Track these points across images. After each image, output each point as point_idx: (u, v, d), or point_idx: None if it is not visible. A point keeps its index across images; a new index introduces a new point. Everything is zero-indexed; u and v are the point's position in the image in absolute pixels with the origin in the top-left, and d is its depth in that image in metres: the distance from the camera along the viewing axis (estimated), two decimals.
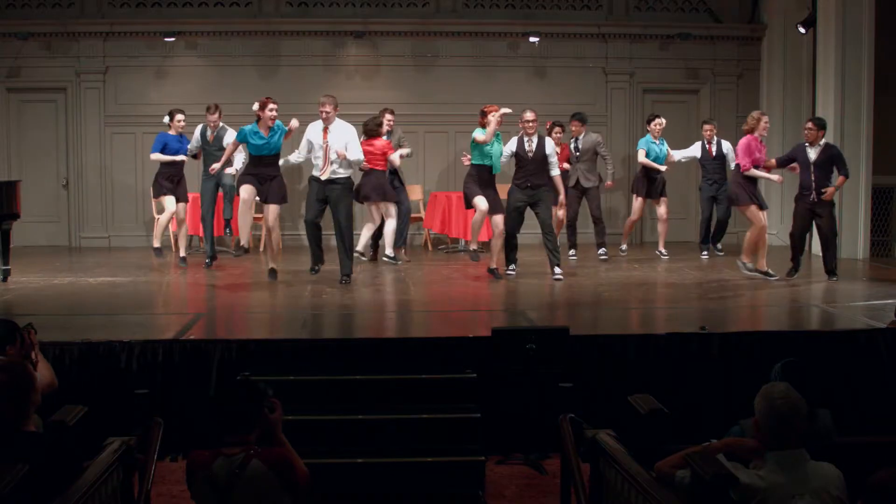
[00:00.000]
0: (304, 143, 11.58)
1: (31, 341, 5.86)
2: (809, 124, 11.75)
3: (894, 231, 15.00)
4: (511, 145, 12.06)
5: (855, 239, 13.97)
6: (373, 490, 7.14)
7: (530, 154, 11.85)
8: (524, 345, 7.59)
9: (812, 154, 11.58)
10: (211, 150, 12.84)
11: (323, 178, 11.31)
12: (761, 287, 11.28)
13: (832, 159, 11.61)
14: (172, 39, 16.03)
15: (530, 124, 11.91)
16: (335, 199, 11.37)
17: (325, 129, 11.33)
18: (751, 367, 7.37)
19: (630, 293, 11.07)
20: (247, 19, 16.38)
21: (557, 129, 14.08)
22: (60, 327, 8.67)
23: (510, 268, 12.07)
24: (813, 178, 11.56)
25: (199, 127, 13.05)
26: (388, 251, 12.67)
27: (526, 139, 11.94)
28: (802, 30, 15.24)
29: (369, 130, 12.83)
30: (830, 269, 11.77)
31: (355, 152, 11.43)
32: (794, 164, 11.95)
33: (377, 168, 12.60)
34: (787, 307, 10.42)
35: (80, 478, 4.66)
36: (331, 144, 11.25)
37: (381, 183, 12.67)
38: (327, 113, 11.30)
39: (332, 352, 8.08)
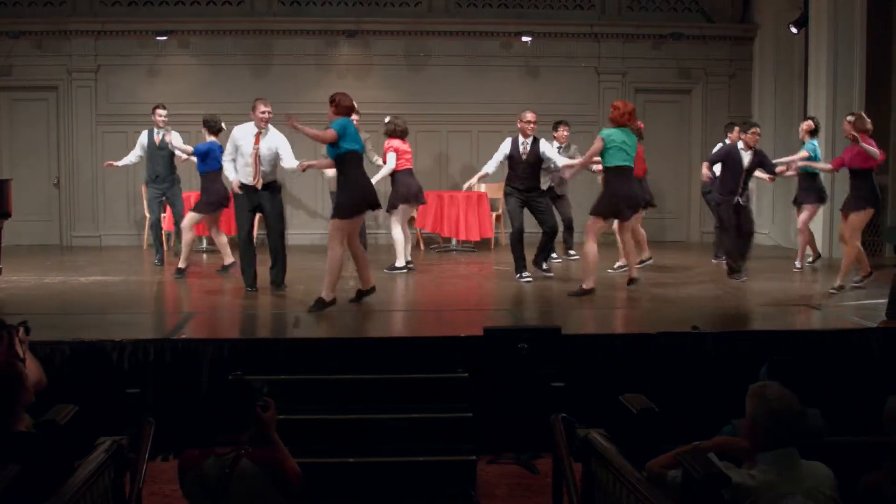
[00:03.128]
0: (231, 147, 10.89)
1: (19, 339, 5.82)
2: (758, 129, 11.64)
3: (885, 230, 15.00)
4: (504, 147, 11.81)
5: None
6: (365, 490, 7.13)
7: (524, 156, 11.66)
8: (516, 344, 7.59)
9: (746, 159, 11.46)
10: None
11: (259, 186, 10.66)
12: (753, 287, 11.29)
13: (762, 164, 11.59)
14: (164, 38, 16.02)
15: (531, 126, 11.67)
16: (269, 209, 10.79)
17: (258, 134, 10.73)
18: (743, 366, 7.36)
19: (622, 293, 11.06)
20: (239, 18, 16.38)
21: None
22: (52, 326, 8.64)
23: (525, 274, 11.66)
24: (742, 184, 11.51)
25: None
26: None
27: (521, 140, 11.72)
28: (794, 30, 15.27)
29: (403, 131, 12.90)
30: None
31: (289, 160, 10.84)
32: (783, 168, 11.96)
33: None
34: (779, 307, 10.42)
35: (72, 477, 4.64)
36: (261, 152, 10.68)
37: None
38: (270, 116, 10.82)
39: (324, 351, 8.07)
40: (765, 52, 16.80)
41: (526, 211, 11.71)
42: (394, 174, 12.75)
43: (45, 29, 15.96)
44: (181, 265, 12.08)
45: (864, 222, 11.12)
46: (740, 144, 11.59)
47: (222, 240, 12.56)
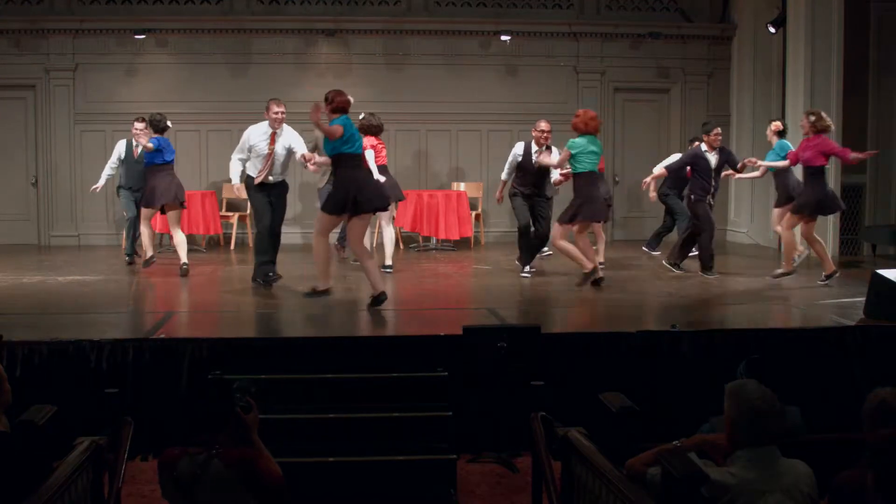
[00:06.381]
0: (243, 146, 11.16)
1: None
2: (720, 129, 12.01)
3: (863, 229, 15.09)
4: (517, 151, 12.05)
5: (825, 237, 14.01)
6: (344, 489, 7.12)
7: (536, 166, 11.85)
8: (495, 343, 7.59)
9: (713, 159, 11.78)
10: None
11: (267, 182, 10.99)
12: (731, 285, 11.34)
13: (728, 161, 11.93)
14: (143, 37, 15.94)
15: (546, 135, 11.87)
16: (276, 202, 11.15)
17: (273, 134, 11.03)
18: (721, 364, 7.39)
19: (601, 291, 11.08)
20: (217, 17, 16.31)
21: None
22: (30, 326, 8.61)
23: (526, 269, 12.03)
24: (713, 183, 11.84)
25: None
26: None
27: (535, 149, 11.91)
28: (772, 29, 15.33)
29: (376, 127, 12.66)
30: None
31: (301, 147, 11.23)
32: (753, 161, 12.18)
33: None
34: (758, 305, 10.47)
35: (50, 478, 4.63)
36: (276, 151, 11.02)
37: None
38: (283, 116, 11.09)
39: (303, 351, 8.04)
40: (743, 51, 16.87)
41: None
42: None
43: (22, 27, 15.85)
44: (148, 256, 12.20)
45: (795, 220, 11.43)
46: (703, 147, 11.85)
47: (179, 238, 12.33)
